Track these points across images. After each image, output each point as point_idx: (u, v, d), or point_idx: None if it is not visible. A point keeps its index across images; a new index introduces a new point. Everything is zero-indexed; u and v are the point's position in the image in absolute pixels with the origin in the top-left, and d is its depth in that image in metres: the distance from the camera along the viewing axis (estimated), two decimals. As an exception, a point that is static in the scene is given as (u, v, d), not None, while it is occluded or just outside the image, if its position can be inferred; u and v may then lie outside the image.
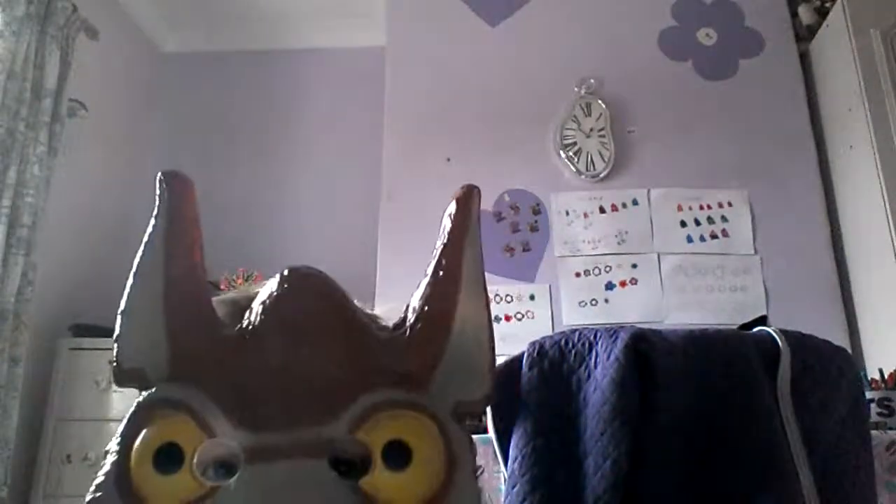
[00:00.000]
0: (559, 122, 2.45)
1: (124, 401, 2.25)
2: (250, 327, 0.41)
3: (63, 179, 2.31)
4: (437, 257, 0.44)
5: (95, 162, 2.68)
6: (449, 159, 2.45)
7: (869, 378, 1.52)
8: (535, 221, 2.37)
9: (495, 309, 2.26)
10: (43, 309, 2.23)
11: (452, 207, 0.45)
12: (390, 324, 0.45)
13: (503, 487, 0.78)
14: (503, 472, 0.80)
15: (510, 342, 2.18)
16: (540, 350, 0.82)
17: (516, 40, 2.59)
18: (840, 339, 2.06)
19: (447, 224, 0.44)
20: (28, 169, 2.10)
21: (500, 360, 0.91)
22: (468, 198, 0.45)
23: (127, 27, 2.95)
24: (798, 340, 0.76)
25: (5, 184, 2.03)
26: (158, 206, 0.45)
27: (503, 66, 2.56)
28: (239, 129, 3.09)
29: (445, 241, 0.44)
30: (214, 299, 0.47)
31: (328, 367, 0.40)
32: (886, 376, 1.50)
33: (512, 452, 0.77)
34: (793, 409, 0.72)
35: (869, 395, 1.40)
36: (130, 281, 0.45)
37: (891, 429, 1.36)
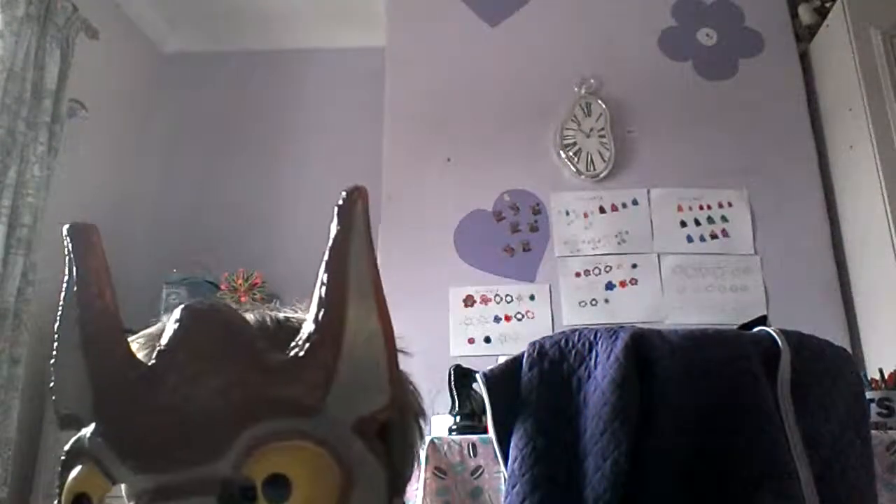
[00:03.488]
0: (559, 122, 2.45)
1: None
2: (150, 367, 0.42)
3: (63, 179, 2.31)
4: (320, 272, 0.43)
5: (95, 162, 2.68)
6: (449, 159, 2.45)
7: (869, 378, 1.52)
8: (535, 221, 2.37)
9: (495, 309, 2.27)
10: (43, 309, 2.23)
11: (334, 216, 0.44)
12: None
13: (503, 487, 0.78)
14: (503, 472, 0.80)
15: (510, 342, 2.21)
16: (540, 350, 0.83)
17: (516, 40, 2.59)
18: (840, 339, 2.06)
19: (329, 235, 0.44)
20: (28, 169, 2.10)
21: (500, 360, 0.91)
22: (349, 202, 0.44)
23: (127, 27, 2.95)
24: (798, 340, 0.76)
25: (5, 184, 2.03)
26: (67, 261, 0.47)
27: (503, 66, 2.56)
28: (239, 128, 3.10)
29: (327, 255, 0.43)
30: (132, 338, 0.49)
31: (214, 403, 0.40)
32: (886, 376, 1.50)
33: (512, 452, 0.77)
34: (793, 408, 0.72)
35: (869, 395, 1.40)
36: (55, 334, 0.47)
37: (891, 429, 1.36)
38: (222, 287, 2.50)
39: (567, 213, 2.37)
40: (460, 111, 2.51)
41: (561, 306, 2.27)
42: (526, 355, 0.83)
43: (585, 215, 2.36)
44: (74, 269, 0.47)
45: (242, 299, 2.49)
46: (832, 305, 2.23)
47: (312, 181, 2.98)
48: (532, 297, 2.28)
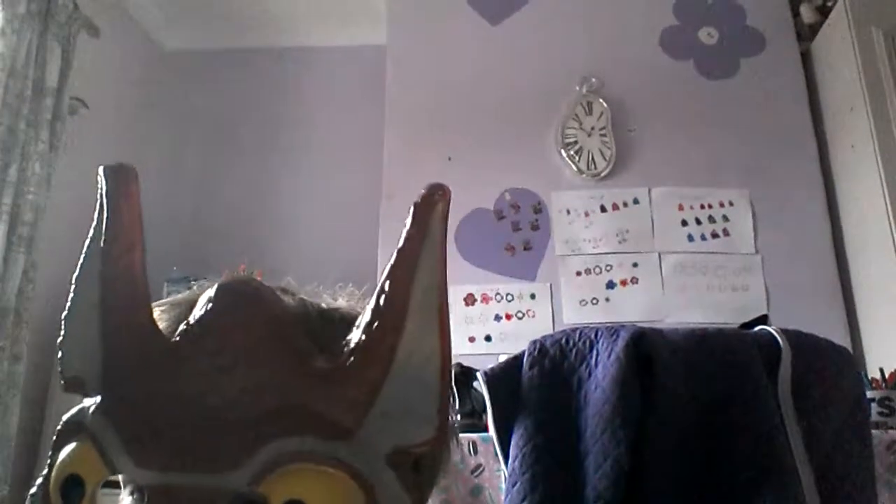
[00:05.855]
0: (560, 121, 2.45)
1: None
2: (173, 346, 0.37)
3: (64, 177, 2.31)
4: (382, 277, 0.38)
5: (96, 160, 2.65)
6: (450, 158, 2.45)
7: (869, 377, 1.52)
8: (536, 220, 2.37)
9: (496, 307, 2.27)
10: (44, 307, 2.24)
11: (409, 215, 0.38)
12: (352, 334, 0.39)
13: (504, 486, 0.78)
14: (504, 471, 0.80)
15: (511, 341, 2.21)
16: (541, 349, 0.83)
17: (518, 39, 2.58)
18: (840, 339, 2.06)
19: (401, 235, 0.38)
20: (29, 167, 2.10)
21: (500, 359, 0.91)
22: (428, 201, 0.37)
23: (128, 25, 2.95)
24: (799, 340, 0.76)
25: (6, 181, 2.03)
26: (98, 204, 0.42)
27: (504, 65, 2.56)
28: (239, 127, 3.10)
29: (394, 257, 0.37)
30: (159, 304, 0.44)
31: (240, 403, 0.35)
32: (887, 376, 1.50)
33: (512, 451, 0.77)
34: (793, 408, 0.72)
35: (869, 394, 1.40)
36: (72, 286, 0.43)
37: (891, 428, 1.36)
38: (223, 285, 2.50)
39: (568, 212, 2.37)
40: (461, 110, 2.50)
41: (562, 305, 2.27)
42: (527, 354, 0.83)
43: (586, 214, 2.36)
44: (105, 216, 0.41)
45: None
46: (833, 305, 2.22)
47: (313, 179, 2.99)
48: (533, 296, 2.28)
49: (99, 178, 0.42)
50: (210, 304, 0.38)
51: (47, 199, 2.17)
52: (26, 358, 2.05)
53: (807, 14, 2.56)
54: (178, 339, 0.37)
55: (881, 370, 1.52)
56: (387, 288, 0.37)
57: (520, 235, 2.35)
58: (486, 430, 1.48)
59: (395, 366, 0.37)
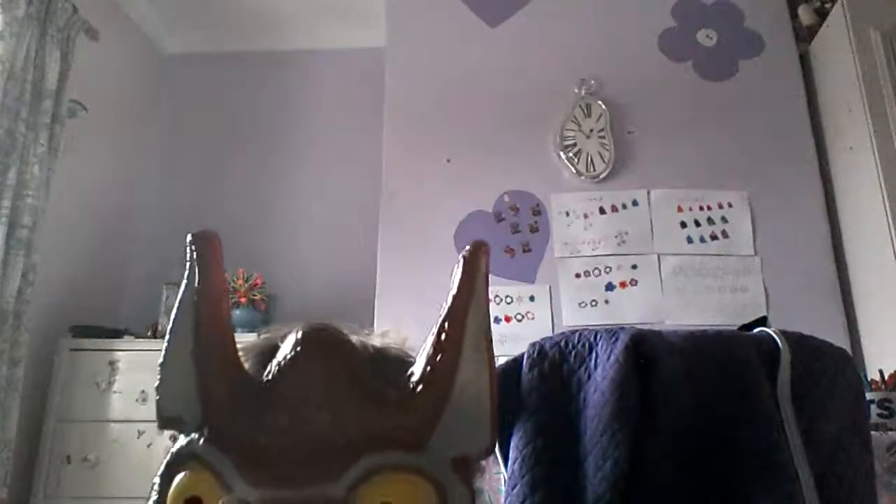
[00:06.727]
0: (559, 123, 2.45)
1: (124, 402, 2.25)
2: (267, 385, 0.45)
3: (63, 180, 2.31)
4: (440, 320, 0.47)
5: (95, 163, 2.68)
6: (449, 160, 2.45)
7: (869, 379, 1.52)
8: (535, 222, 2.37)
9: (496, 310, 2.27)
10: (43, 310, 2.23)
11: (459, 267, 0.47)
12: (403, 372, 0.48)
13: (503, 488, 0.78)
14: (503, 473, 0.80)
15: (510, 343, 2.21)
16: (540, 351, 0.83)
17: (516, 41, 2.59)
18: (840, 340, 2.06)
19: (453, 283, 0.47)
20: (28, 169, 2.10)
21: (500, 361, 0.91)
22: (475, 258, 0.47)
23: (127, 28, 2.95)
24: (798, 341, 0.76)
25: (5, 184, 2.03)
26: (188, 267, 0.49)
27: (503, 66, 2.56)
28: (239, 130, 3.10)
29: (450, 304, 0.47)
30: (240, 347, 0.51)
31: (333, 431, 0.43)
32: (886, 377, 1.50)
33: (512, 453, 0.77)
34: (793, 409, 0.72)
35: (869, 396, 1.40)
36: (167, 336, 0.49)
37: (891, 430, 1.36)
38: (222, 288, 2.50)
39: (567, 214, 2.37)
40: (460, 112, 2.51)
41: (561, 307, 2.27)
42: (526, 356, 0.83)
43: (585, 216, 2.36)
44: (196, 276, 0.49)
45: (242, 300, 2.49)
46: (832, 306, 2.22)
47: (312, 181, 2.99)
48: (532, 298, 2.28)
49: (188, 245, 0.49)
50: (298, 350, 0.46)
51: (46, 202, 2.17)
52: (25, 361, 2.05)
53: (805, 16, 2.57)
54: (274, 380, 0.45)
55: (881, 372, 1.52)
56: (446, 328, 0.47)
57: (519, 237, 2.35)
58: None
59: (454, 392, 0.46)
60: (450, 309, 0.47)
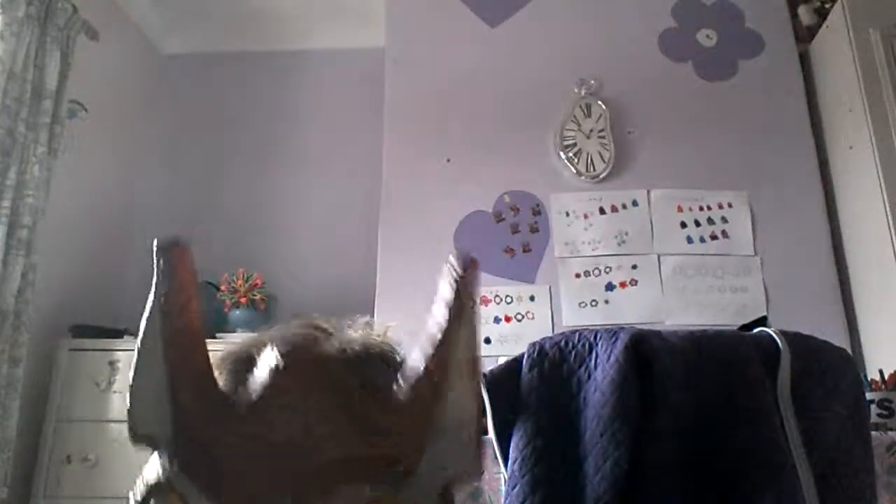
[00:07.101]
0: (559, 123, 2.45)
1: (124, 402, 2.25)
2: (241, 413, 0.43)
3: (63, 180, 2.31)
4: (428, 345, 0.46)
5: (95, 163, 2.68)
6: (449, 160, 2.45)
7: (869, 379, 1.52)
8: (535, 222, 2.37)
9: (496, 310, 2.27)
10: (43, 310, 2.23)
11: (447, 284, 0.46)
12: (386, 375, 0.46)
13: (504, 488, 0.78)
14: (503, 473, 0.80)
15: (510, 343, 2.21)
16: (540, 351, 0.83)
17: (516, 41, 2.59)
18: (840, 340, 2.06)
19: (441, 303, 0.45)
20: (28, 170, 2.10)
21: (500, 361, 0.91)
22: (465, 280, 0.46)
23: (127, 28, 2.95)
24: (798, 341, 0.76)
25: (5, 184, 2.03)
26: (154, 275, 0.47)
27: (503, 67, 2.56)
28: (239, 130, 3.10)
29: (439, 329, 0.46)
30: (216, 357, 0.49)
31: (313, 455, 0.41)
32: (886, 377, 1.50)
33: (512, 453, 0.77)
34: (793, 409, 0.72)
35: (869, 395, 1.40)
36: (137, 347, 0.47)
37: (891, 430, 1.36)
38: (222, 288, 2.50)
39: (567, 214, 2.37)
40: (460, 112, 2.50)
41: (561, 307, 2.27)
42: (526, 356, 0.83)
43: (585, 216, 2.36)
44: (163, 280, 0.47)
45: (242, 300, 2.49)
46: (832, 306, 2.22)
47: (312, 182, 2.99)
48: (532, 298, 2.28)
49: (154, 250, 0.47)
50: (276, 369, 0.44)
51: (46, 202, 2.17)
52: (25, 361, 2.05)
53: (805, 16, 2.57)
54: (251, 408, 0.43)
55: (880, 371, 1.52)
56: (435, 348, 0.45)
57: (519, 237, 2.35)
58: (485, 432, 1.48)
59: (440, 424, 0.45)
60: (441, 325, 0.46)
